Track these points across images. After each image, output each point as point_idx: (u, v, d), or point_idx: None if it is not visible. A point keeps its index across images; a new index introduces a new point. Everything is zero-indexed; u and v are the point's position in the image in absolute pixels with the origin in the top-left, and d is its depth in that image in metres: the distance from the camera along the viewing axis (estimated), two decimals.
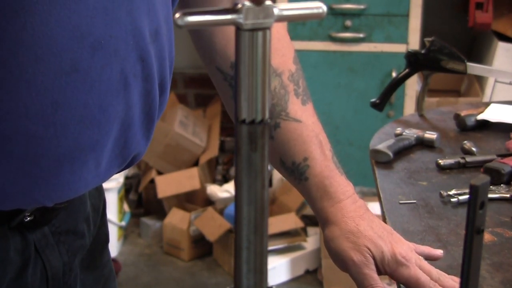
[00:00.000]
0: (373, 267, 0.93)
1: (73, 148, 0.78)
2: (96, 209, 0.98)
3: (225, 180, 3.49)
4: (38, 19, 0.71)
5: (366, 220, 0.96)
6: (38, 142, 0.75)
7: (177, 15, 0.46)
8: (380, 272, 0.94)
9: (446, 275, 0.95)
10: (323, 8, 0.51)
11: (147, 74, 0.84)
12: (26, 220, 0.84)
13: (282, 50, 1.00)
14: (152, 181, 3.36)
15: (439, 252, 1.00)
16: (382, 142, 1.46)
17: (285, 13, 0.48)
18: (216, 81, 1.03)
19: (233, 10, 0.46)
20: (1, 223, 0.82)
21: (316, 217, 1.00)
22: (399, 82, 1.71)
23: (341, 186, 0.98)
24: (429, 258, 0.99)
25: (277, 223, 2.99)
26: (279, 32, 1.01)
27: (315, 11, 0.51)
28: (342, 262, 0.95)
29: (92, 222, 0.97)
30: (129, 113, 0.83)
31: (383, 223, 0.99)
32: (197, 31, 1.00)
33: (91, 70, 0.76)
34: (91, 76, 0.76)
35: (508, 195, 1.27)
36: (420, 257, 0.96)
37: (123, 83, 0.80)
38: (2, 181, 0.76)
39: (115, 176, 1.63)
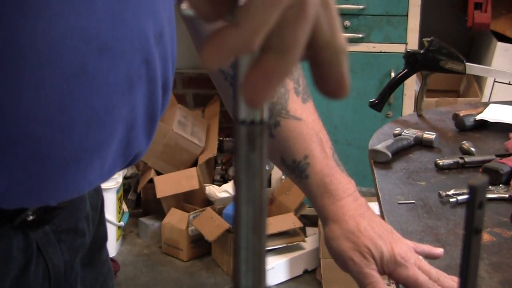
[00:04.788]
0: (373, 266, 0.93)
1: (79, 149, 0.78)
2: (94, 208, 0.99)
3: (223, 180, 3.49)
4: (48, 21, 0.72)
5: (367, 219, 0.96)
6: (44, 144, 0.76)
7: (183, 5, 0.46)
8: (379, 272, 0.94)
9: (446, 275, 0.95)
10: None
11: (151, 76, 0.84)
12: (28, 219, 0.84)
13: None
14: (150, 181, 3.35)
15: (439, 250, 1.00)
16: (381, 142, 1.46)
17: None
18: (217, 81, 1.03)
19: None
20: (4, 222, 0.83)
21: (317, 214, 1.00)
22: (398, 82, 1.71)
23: (342, 183, 0.98)
24: (430, 257, 0.99)
25: (275, 223, 2.99)
26: None
27: None
28: (343, 262, 0.95)
29: (92, 220, 0.97)
30: (133, 114, 0.83)
31: (383, 222, 0.99)
32: (198, 30, 1.01)
33: (98, 72, 0.76)
34: (98, 78, 0.77)
35: (506, 195, 1.27)
36: (420, 257, 0.96)
37: (128, 85, 0.81)
38: (8, 181, 0.76)
39: (114, 176, 1.64)
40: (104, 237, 1.03)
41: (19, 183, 0.77)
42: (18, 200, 0.79)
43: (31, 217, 0.84)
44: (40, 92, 0.73)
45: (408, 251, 0.95)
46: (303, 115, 1.00)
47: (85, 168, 0.80)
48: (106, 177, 0.85)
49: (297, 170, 0.99)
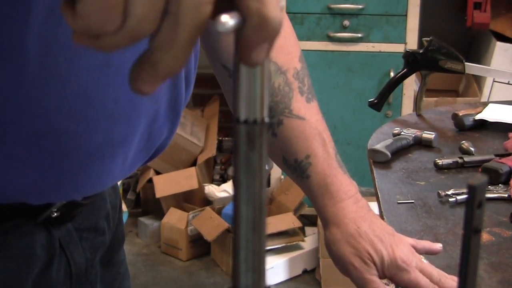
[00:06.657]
0: (374, 272, 0.93)
1: (104, 143, 0.79)
2: (114, 207, 0.99)
3: (223, 180, 3.49)
4: None
5: (368, 222, 0.95)
6: (70, 137, 0.76)
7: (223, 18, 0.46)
8: (380, 276, 0.94)
9: (448, 275, 0.95)
10: None
11: None
12: (53, 215, 0.85)
13: (288, 48, 1.00)
14: (150, 181, 3.35)
15: (438, 246, 1.00)
16: (380, 142, 1.46)
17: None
18: (221, 79, 1.03)
19: None
20: (28, 218, 0.83)
21: (318, 215, 1.00)
22: (397, 82, 1.71)
23: (343, 185, 0.97)
24: (429, 253, 0.99)
25: (275, 223, 2.99)
26: (285, 30, 1.00)
27: None
28: (343, 267, 0.95)
29: (112, 219, 0.98)
30: (156, 107, 0.84)
31: (384, 224, 0.98)
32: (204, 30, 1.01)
33: (123, 65, 0.76)
34: (123, 71, 0.77)
35: (506, 195, 1.27)
36: (421, 257, 0.96)
37: None
38: (34, 175, 0.77)
39: None
40: (122, 237, 1.03)
41: (45, 177, 0.77)
42: (43, 195, 0.80)
43: (55, 214, 0.85)
44: (66, 86, 0.74)
45: (409, 254, 0.94)
46: (306, 114, 0.99)
47: (110, 162, 0.81)
48: (128, 171, 0.86)
49: (299, 169, 0.99)
